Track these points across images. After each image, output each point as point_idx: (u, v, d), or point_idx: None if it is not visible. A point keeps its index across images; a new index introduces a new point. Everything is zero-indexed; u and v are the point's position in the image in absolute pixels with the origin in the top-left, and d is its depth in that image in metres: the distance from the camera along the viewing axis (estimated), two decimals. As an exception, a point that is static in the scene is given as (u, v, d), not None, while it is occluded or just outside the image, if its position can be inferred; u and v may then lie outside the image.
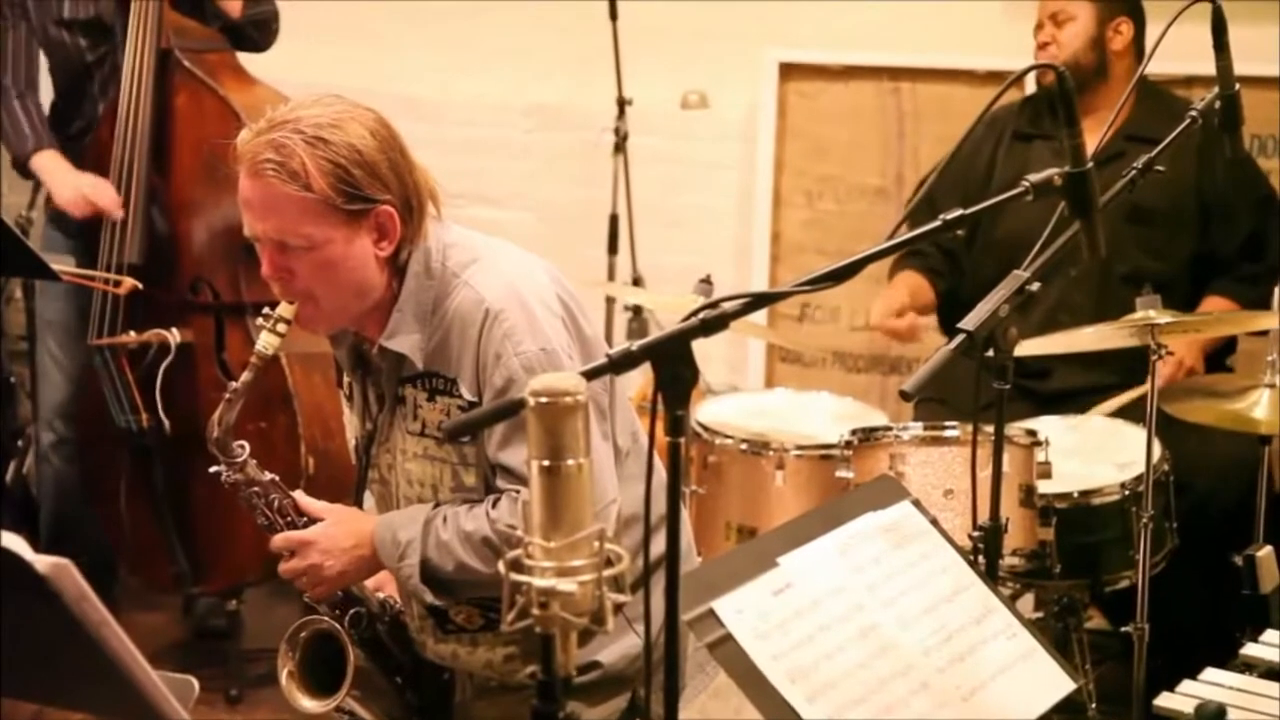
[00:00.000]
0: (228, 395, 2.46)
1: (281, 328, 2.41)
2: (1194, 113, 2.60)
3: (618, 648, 2.49)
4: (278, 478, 2.55)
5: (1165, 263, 3.79)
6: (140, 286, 3.91)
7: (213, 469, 2.52)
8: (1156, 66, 2.66)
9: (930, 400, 3.68)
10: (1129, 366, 3.69)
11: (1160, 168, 2.48)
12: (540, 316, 2.38)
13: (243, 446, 2.50)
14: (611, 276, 4.88)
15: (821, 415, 3.93)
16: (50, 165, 4.09)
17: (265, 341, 2.42)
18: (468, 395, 2.39)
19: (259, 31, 4.19)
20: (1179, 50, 2.64)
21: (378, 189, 2.35)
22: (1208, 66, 2.67)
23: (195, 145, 4.00)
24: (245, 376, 2.45)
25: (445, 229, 2.48)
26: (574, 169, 5.25)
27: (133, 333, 3.98)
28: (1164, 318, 3.13)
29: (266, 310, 2.43)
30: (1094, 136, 3.92)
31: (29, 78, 4.17)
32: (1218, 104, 2.63)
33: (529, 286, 2.42)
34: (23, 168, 4.16)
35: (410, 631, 2.62)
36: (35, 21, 4.12)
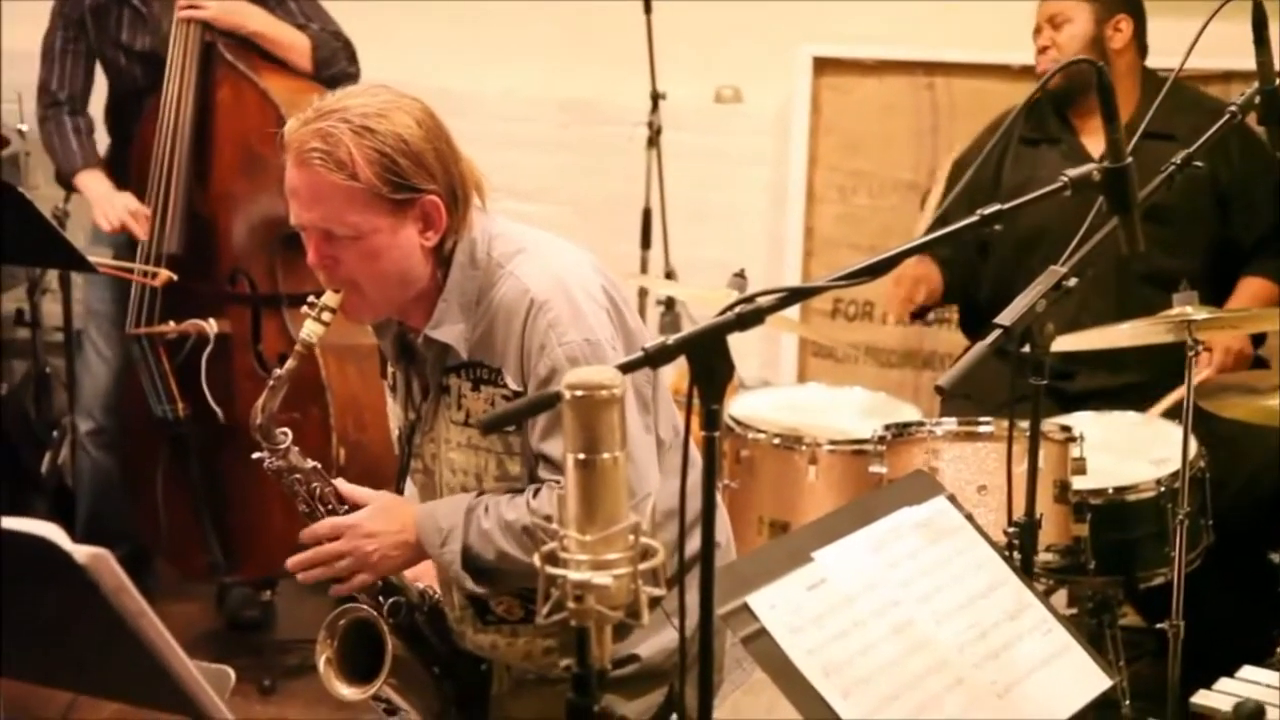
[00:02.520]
0: (271, 382, 2.47)
1: (326, 316, 2.42)
2: (1233, 108, 2.57)
3: (656, 641, 2.49)
4: (320, 465, 2.55)
5: (1183, 259, 3.75)
6: (175, 278, 3.94)
7: (255, 455, 2.52)
8: (1191, 62, 2.64)
9: (956, 396, 3.67)
10: (1153, 366, 3.67)
11: (1199, 164, 2.46)
12: (585, 307, 2.39)
13: (285, 433, 2.51)
14: (644, 271, 4.89)
15: (854, 410, 3.93)
16: (93, 185, 4.17)
17: (309, 330, 2.42)
18: (513, 385, 2.40)
19: (331, 88, 4.21)
20: (1215, 46, 2.62)
21: (423, 178, 2.36)
22: (1243, 61, 2.65)
23: (236, 138, 4.03)
24: (289, 364, 2.46)
25: (490, 220, 2.49)
26: (607, 163, 5.25)
27: (171, 323, 4.01)
28: (1201, 314, 3.11)
29: (312, 299, 2.43)
30: (1101, 136, 3.91)
31: (83, 94, 4.25)
32: (1257, 99, 2.61)
33: (574, 277, 2.42)
34: (67, 182, 4.26)
35: (449, 622, 2.62)
36: (94, 41, 4.18)
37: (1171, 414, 3.50)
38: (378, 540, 2.48)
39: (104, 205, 4.08)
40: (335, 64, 4.16)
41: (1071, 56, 3.79)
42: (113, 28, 4.14)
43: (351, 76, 4.21)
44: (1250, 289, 3.84)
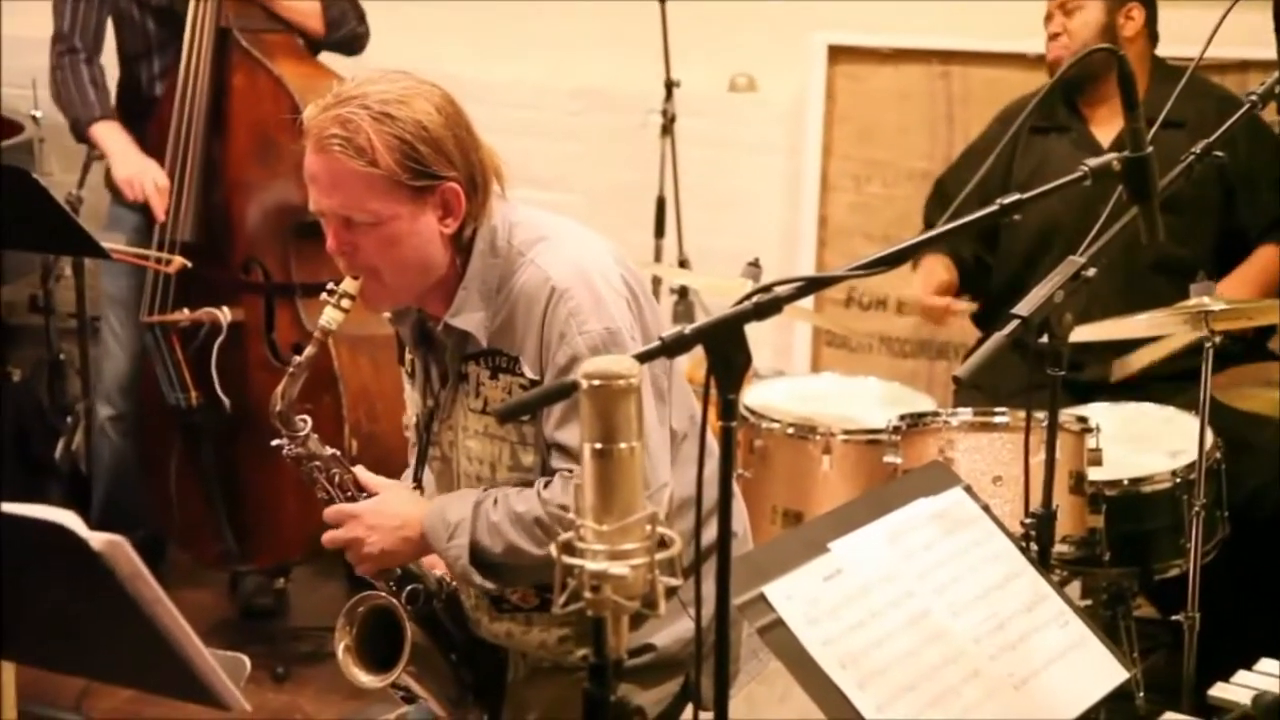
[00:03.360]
0: (291, 370, 2.46)
1: (346, 303, 2.41)
2: (1253, 97, 2.56)
3: (671, 631, 2.49)
4: (339, 453, 2.55)
5: (1191, 248, 3.74)
6: (189, 265, 3.94)
7: (275, 443, 2.52)
8: (1208, 51, 2.62)
9: (968, 387, 3.66)
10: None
11: (1220, 154, 2.45)
12: (605, 296, 2.38)
13: (305, 421, 2.50)
14: (658, 259, 4.88)
15: (869, 400, 3.91)
16: (110, 137, 4.12)
17: (329, 317, 2.42)
18: (530, 374, 2.39)
19: (345, 47, 4.21)
20: (1232, 35, 2.60)
21: (443, 165, 2.35)
22: (1261, 51, 2.64)
23: (251, 125, 4.02)
24: (309, 351, 2.45)
25: (511, 208, 2.48)
26: (621, 152, 5.24)
27: (185, 310, 4.01)
28: (1218, 305, 3.10)
29: (331, 285, 2.43)
30: (1111, 125, 3.91)
31: (96, 43, 4.20)
32: (1278, 88, 2.59)
33: (595, 266, 2.41)
34: (81, 134, 4.18)
35: (466, 609, 2.62)
36: None
37: (1188, 406, 3.49)
38: (376, 533, 2.48)
39: (128, 168, 4.03)
40: (345, 24, 4.17)
41: (1082, 44, 3.78)
42: None
43: (360, 37, 4.22)
44: (1266, 256, 3.82)
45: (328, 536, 2.52)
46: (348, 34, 4.16)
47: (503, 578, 2.48)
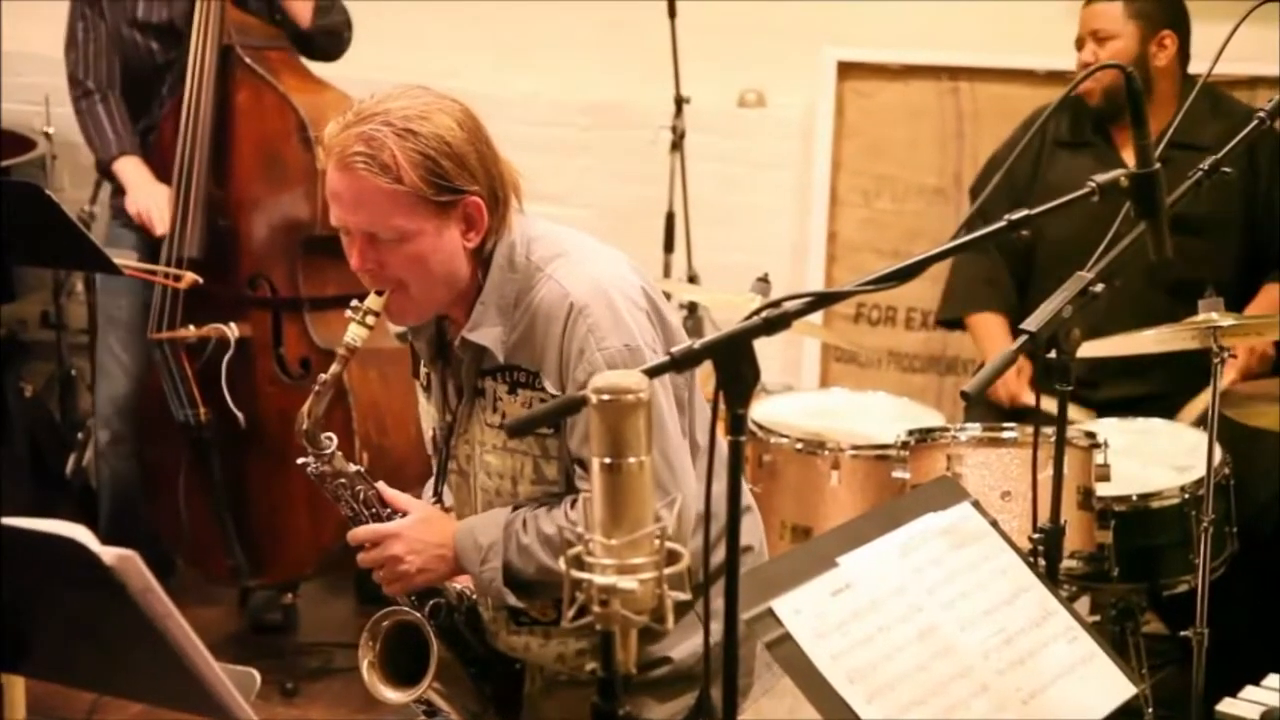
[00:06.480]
0: (316, 388, 2.46)
1: (370, 320, 2.41)
2: (1262, 114, 2.55)
3: (688, 644, 2.49)
4: (363, 469, 2.55)
5: (1212, 270, 3.72)
6: (201, 281, 3.95)
7: (300, 461, 2.52)
8: (1217, 67, 2.62)
9: (978, 402, 3.64)
10: (1178, 375, 3.66)
11: (1227, 169, 2.45)
12: (625, 313, 2.38)
13: (330, 438, 2.50)
14: (667, 274, 4.89)
15: (878, 415, 3.92)
16: (132, 172, 4.17)
17: (354, 334, 2.42)
18: (552, 390, 2.39)
19: (330, 40, 4.23)
20: (1241, 51, 2.59)
21: (466, 180, 2.35)
22: (1270, 67, 2.64)
23: (256, 141, 4.04)
24: (334, 368, 2.44)
25: (529, 223, 2.48)
26: (631, 167, 5.25)
27: (192, 327, 4.02)
28: (1227, 320, 3.10)
29: (355, 303, 2.43)
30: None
31: (110, 78, 4.23)
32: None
33: (614, 282, 2.41)
34: (105, 170, 4.25)
35: (484, 622, 2.62)
36: (109, 22, 4.18)
37: (1197, 421, 3.49)
38: (415, 553, 2.49)
39: (138, 203, 4.09)
40: (333, 14, 4.18)
41: (1114, 76, 3.74)
42: (128, 5, 4.16)
43: (344, 34, 4.22)
44: (1270, 296, 3.81)
45: (364, 557, 2.52)
46: (330, 25, 4.17)
47: (535, 594, 2.49)
